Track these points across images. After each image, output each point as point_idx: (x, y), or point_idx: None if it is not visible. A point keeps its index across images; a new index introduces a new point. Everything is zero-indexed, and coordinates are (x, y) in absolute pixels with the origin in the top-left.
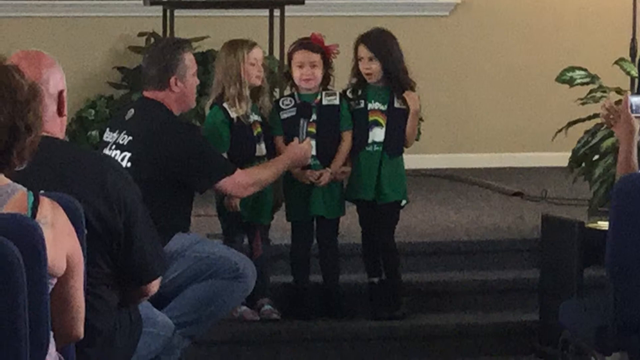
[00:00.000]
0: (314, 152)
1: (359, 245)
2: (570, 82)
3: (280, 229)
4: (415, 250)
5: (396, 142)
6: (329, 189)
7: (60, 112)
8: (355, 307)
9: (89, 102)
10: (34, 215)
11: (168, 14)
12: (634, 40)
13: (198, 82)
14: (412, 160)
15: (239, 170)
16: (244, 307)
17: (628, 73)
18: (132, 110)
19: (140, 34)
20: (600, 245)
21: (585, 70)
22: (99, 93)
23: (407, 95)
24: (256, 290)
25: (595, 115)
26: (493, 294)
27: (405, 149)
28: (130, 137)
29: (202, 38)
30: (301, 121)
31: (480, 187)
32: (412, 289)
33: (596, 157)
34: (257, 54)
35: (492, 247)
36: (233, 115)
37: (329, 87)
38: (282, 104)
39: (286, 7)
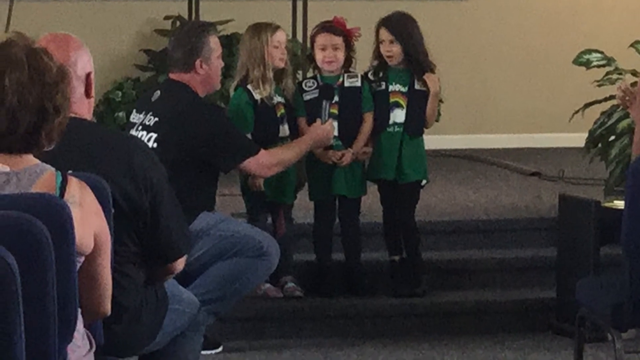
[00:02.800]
0: (336, 133)
1: (380, 224)
2: (587, 65)
3: (303, 208)
4: (435, 229)
5: (416, 123)
6: (350, 169)
7: (87, 94)
8: (377, 284)
9: (116, 84)
10: (62, 194)
11: None
12: None
13: (223, 64)
14: (432, 140)
15: (262, 151)
16: (268, 285)
17: None
18: (158, 92)
19: (167, 17)
20: (616, 224)
21: (601, 52)
22: (125, 75)
23: (427, 77)
24: (279, 268)
25: (612, 97)
26: (511, 272)
27: (425, 130)
28: (157, 118)
29: (227, 21)
30: (323, 103)
31: (498, 167)
32: (432, 267)
33: (612, 137)
34: (280, 36)
35: (510, 226)
36: (257, 96)
37: (350, 69)
38: (305, 85)
39: None
